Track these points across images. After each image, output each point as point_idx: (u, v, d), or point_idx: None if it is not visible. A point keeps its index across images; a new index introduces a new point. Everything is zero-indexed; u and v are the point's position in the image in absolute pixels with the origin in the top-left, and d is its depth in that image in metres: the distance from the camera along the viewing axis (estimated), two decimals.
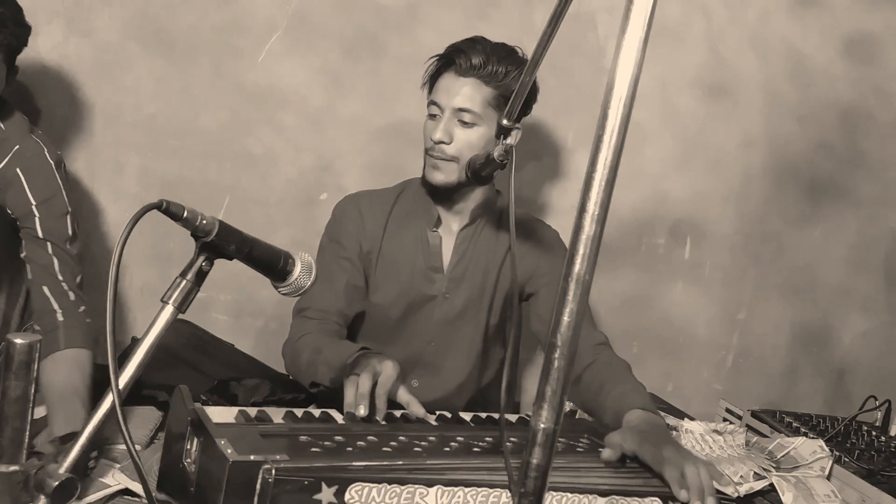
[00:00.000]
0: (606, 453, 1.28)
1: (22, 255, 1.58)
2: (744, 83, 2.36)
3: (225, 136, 2.10)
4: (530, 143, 2.23)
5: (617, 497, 1.14)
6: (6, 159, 1.58)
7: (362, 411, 1.23)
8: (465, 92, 1.63)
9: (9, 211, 1.57)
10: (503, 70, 1.64)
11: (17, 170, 1.58)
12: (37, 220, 1.57)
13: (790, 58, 2.37)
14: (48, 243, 1.57)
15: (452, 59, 1.65)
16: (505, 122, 1.34)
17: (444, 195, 1.71)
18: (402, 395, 1.34)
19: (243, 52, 2.08)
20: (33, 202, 1.57)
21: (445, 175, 1.65)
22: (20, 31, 1.58)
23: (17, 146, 1.60)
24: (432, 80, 1.71)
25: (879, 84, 2.44)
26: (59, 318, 1.52)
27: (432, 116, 1.67)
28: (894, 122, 2.46)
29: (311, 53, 2.11)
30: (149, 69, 2.04)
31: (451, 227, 1.76)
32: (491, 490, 1.08)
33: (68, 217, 1.61)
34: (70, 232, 1.61)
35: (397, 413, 1.36)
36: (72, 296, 1.55)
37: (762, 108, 2.38)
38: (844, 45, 2.40)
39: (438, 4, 2.15)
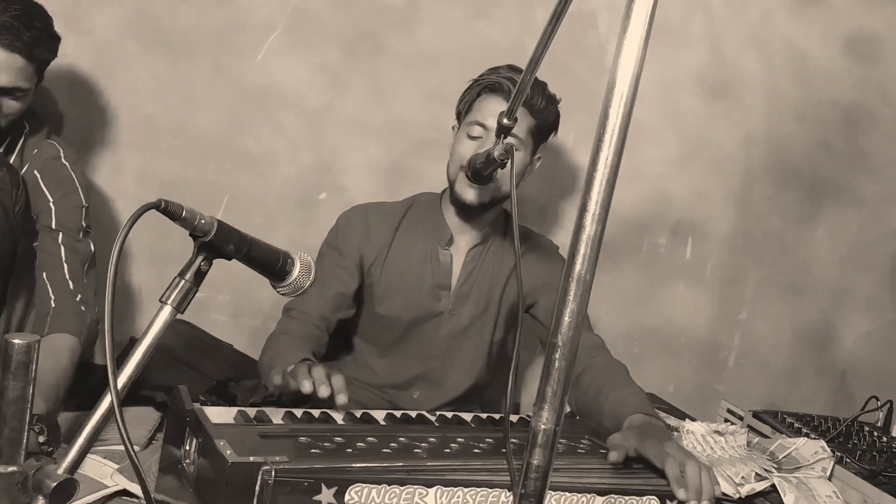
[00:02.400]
0: (613, 455, 1.27)
1: (34, 245, 1.65)
2: (745, 82, 2.35)
3: (224, 135, 2.09)
4: None
5: (615, 496, 1.14)
6: (27, 164, 1.69)
7: (325, 391, 1.22)
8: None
9: (32, 213, 1.65)
10: (544, 104, 1.69)
11: (35, 171, 1.68)
12: (52, 213, 1.65)
13: (792, 57, 2.36)
14: (59, 233, 1.64)
15: (499, 85, 1.66)
16: (505, 121, 1.33)
17: (467, 212, 1.71)
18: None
19: (242, 50, 2.08)
20: (50, 199, 1.67)
21: (480, 196, 1.65)
22: (54, 45, 1.65)
23: (35, 150, 1.70)
24: (471, 102, 1.70)
25: (881, 83, 2.43)
26: (52, 304, 1.56)
27: (472, 137, 1.66)
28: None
29: (310, 52, 2.10)
30: (147, 68, 2.04)
31: (460, 245, 1.76)
32: (490, 490, 1.07)
33: (83, 210, 1.69)
34: (84, 223, 1.69)
35: (398, 413, 1.36)
36: (71, 285, 1.59)
37: (764, 107, 2.37)
38: (846, 44, 2.39)
39: (438, 2, 2.14)
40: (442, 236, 1.75)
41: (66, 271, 1.61)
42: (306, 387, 1.23)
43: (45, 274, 1.61)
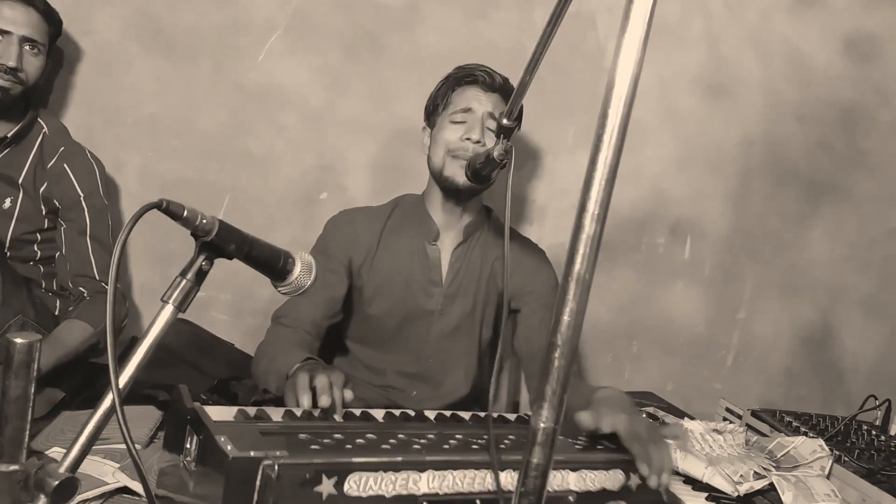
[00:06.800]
0: (583, 416, 1.31)
1: (61, 249, 1.81)
2: (744, 82, 2.36)
3: (225, 135, 2.10)
4: (530, 142, 2.23)
5: (585, 471, 1.22)
6: (55, 158, 1.82)
7: (326, 400, 1.22)
8: (494, 102, 1.69)
9: (55, 202, 1.80)
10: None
11: (65, 165, 1.82)
12: (86, 213, 1.81)
13: (790, 57, 2.37)
14: (90, 240, 1.81)
15: (474, 77, 1.71)
16: (505, 121, 1.34)
17: (457, 197, 1.72)
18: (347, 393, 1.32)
19: (243, 51, 2.08)
20: (81, 194, 1.82)
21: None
22: (58, 17, 1.82)
23: (63, 147, 1.84)
24: (447, 95, 1.73)
25: (879, 83, 2.44)
26: (85, 296, 1.78)
27: (456, 122, 1.69)
28: (894, 121, 2.46)
29: (311, 53, 2.11)
30: (149, 69, 2.04)
31: (446, 242, 1.77)
32: (477, 471, 1.12)
33: (107, 212, 1.86)
34: (110, 223, 1.87)
35: (396, 412, 1.37)
36: (98, 277, 1.80)
37: (762, 107, 2.38)
38: (844, 45, 2.40)
39: (438, 4, 2.15)
40: (429, 232, 1.76)
41: (94, 267, 1.79)
42: (304, 402, 1.24)
43: (70, 268, 1.79)
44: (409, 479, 1.06)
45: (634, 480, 1.26)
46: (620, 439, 1.30)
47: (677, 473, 1.48)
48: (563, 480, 1.19)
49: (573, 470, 1.20)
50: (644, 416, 1.38)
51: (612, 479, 1.24)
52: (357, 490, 1.03)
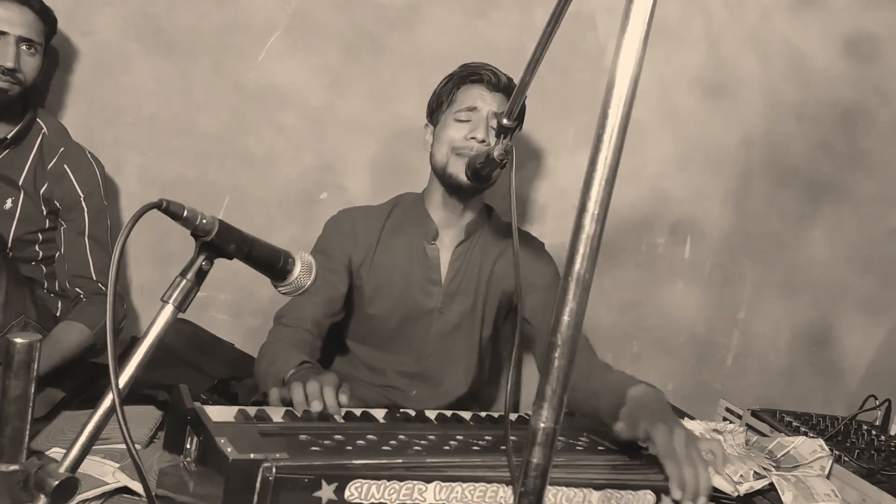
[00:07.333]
0: (619, 426, 1.27)
1: (60, 249, 1.82)
2: (744, 83, 2.36)
3: (225, 135, 2.10)
4: (530, 142, 2.23)
5: (611, 490, 1.14)
6: (55, 159, 1.83)
7: (317, 406, 1.21)
8: (499, 101, 1.68)
9: (56, 202, 1.81)
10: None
11: (65, 166, 1.82)
12: (85, 213, 1.82)
13: (790, 57, 2.37)
14: (89, 240, 1.82)
15: (480, 76, 1.70)
16: (505, 121, 1.34)
17: (460, 194, 1.72)
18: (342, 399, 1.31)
19: (243, 51, 2.08)
20: (81, 194, 1.82)
21: None
22: (54, 16, 1.82)
23: (63, 147, 1.85)
24: (452, 93, 1.73)
25: (879, 83, 2.44)
26: (82, 298, 1.79)
27: (461, 120, 1.69)
28: (894, 121, 2.46)
29: (311, 53, 2.11)
30: (149, 69, 2.05)
31: (445, 241, 1.77)
32: (489, 485, 1.08)
33: (106, 213, 1.87)
34: (108, 223, 1.87)
35: (397, 412, 1.37)
36: (95, 277, 1.80)
37: (762, 107, 2.38)
38: (844, 45, 2.40)
39: (438, 4, 2.15)
40: (428, 232, 1.76)
41: (91, 267, 1.80)
42: (297, 405, 1.22)
43: (68, 268, 1.80)
44: (415, 489, 1.04)
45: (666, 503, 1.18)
46: (655, 453, 1.23)
47: None
48: (584, 499, 1.12)
49: (597, 489, 1.13)
50: (682, 423, 1.30)
51: (640, 501, 1.16)
52: (358, 497, 1.01)
